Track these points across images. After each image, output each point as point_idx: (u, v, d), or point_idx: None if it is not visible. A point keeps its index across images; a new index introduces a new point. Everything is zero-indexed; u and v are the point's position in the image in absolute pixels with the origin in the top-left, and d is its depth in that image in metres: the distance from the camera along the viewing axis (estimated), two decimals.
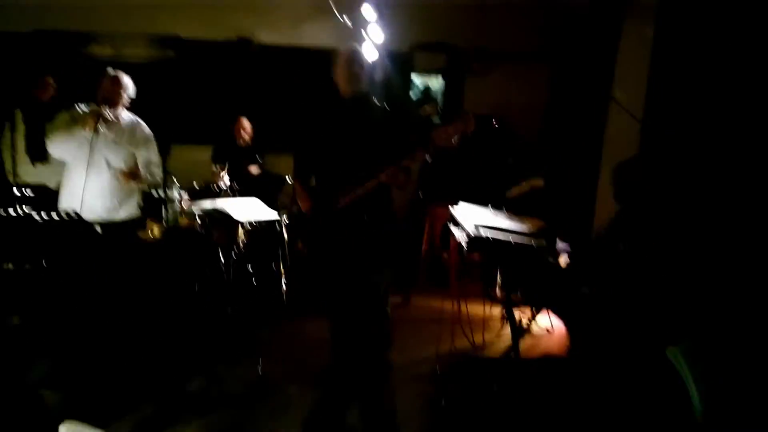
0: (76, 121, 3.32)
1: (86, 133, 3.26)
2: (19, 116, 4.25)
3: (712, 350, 1.88)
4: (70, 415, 2.24)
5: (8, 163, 4.22)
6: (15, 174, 4.20)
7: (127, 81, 3.45)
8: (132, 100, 3.51)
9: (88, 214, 3.38)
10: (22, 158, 4.17)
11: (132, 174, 3.45)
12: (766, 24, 2.81)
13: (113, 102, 3.37)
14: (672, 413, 1.95)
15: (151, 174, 3.54)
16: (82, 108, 3.41)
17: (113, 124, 3.42)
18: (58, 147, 3.35)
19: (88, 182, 3.38)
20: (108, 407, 2.89)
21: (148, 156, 3.57)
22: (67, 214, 2.93)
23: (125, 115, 3.53)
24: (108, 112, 3.31)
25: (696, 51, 3.20)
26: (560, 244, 3.87)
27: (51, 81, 4.32)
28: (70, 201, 3.41)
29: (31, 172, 4.17)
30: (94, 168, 3.39)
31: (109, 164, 3.42)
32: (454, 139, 2.71)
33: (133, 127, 3.55)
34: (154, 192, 3.81)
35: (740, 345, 1.96)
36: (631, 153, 3.71)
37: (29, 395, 2.04)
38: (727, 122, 3.02)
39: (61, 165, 3.97)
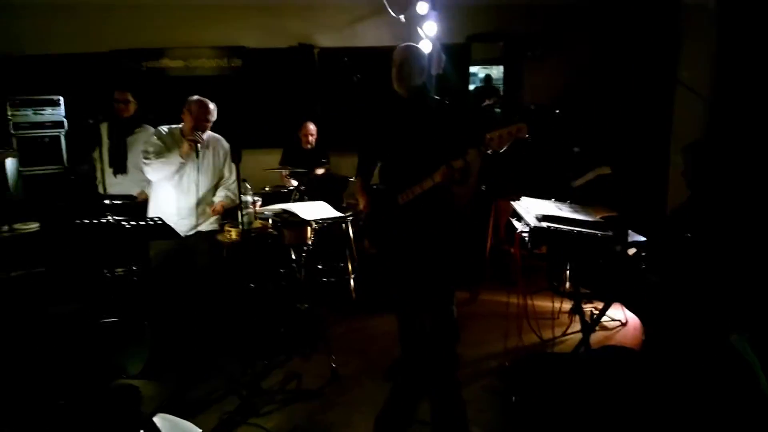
0: (167, 145, 3.54)
1: (182, 157, 3.49)
2: (104, 130, 4.54)
3: None
4: (162, 407, 2.46)
5: (99, 174, 4.56)
6: (104, 185, 4.53)
7: (213, 107, 3.64)
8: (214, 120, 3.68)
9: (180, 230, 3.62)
10: (107, 170, 4.47)
11: (221, 209, 3.68)
12: None
13: (203, 128, 3.56)
14: (742, 398, 1.88)
15: (232, 192, 3.75)
16: (164, 131, 3.62)
17: (203, 149, 3.63)
18: (156, 171, 3.55)
19: (177, 203, 3.63)
20: (195, 400, 3.12)
21: (228, 173, 3.79)
22: (153, 220, 3.16)
23: (209, 137, 3.73)
24: (200, 138, 3.51)
25: (763, 25, 3.00)
26: (633, 235, 3.77)
27: (131, 97, 4.61)
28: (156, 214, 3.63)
29: (113, 183, 4.45)
30: (183, 190, 3.63)
31: (198, 186, 3.64)
32: (507, 144, 2.73)
33: (215, 142, 3.75)
34: None
35: None
36: (700, 135, 3.54)
37: (127, 387, 2.26)
38: None
39: (139, 176, 4.29)
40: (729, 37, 3.42)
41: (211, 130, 3.73)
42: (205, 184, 3.67)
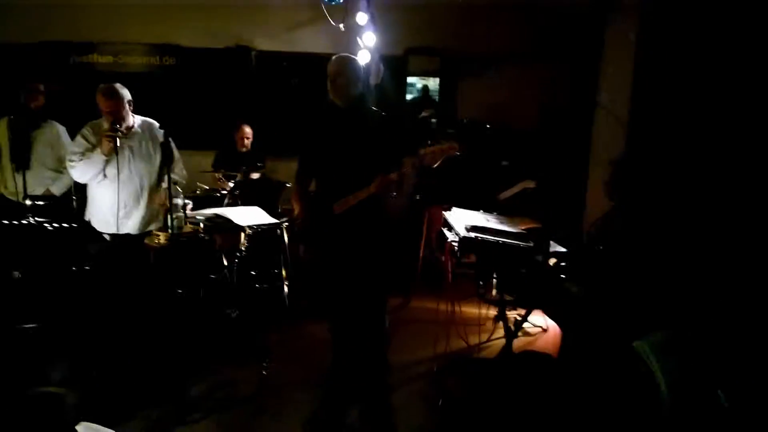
0: (92, 143, 3.40)
1: (105, 155, 3.35)
2: (3, 126, 4.27)
3: (682, 343, 2.00)
4: (85, 415, 2.38)
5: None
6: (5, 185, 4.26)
7: (120, 88, 3.46)
8: (131, 102, 3.52)
9: (128, 230, 3.53)
10: (7, 167, 4.21)
11: (163, 197, 3.52)
12: (747, 24, 2.91)
13: (119, 115, 3.41)
14: (641, 403, 2.07)
15: (178, 174, 3.62)
16: (89, 130, 3.47)
17: (133, 136, 3.51)
18: (81, 173, 3.41)
19: (117, 198, 3.49)
20: (119, 408, 3.02)
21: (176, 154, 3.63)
22: (76, 222, 3.05)
23: (136, 120, 3.59)
24: (119, 127, 3.36)
25: (679, 52, 3.31)
26: (555, 246, 4.00)
27: (41, 88, 4.38)
28: (104, 219, 3.52)
29: (16, 181, 4.15)
30: (123, 183, 3.47)
31: (139, 175, 3.52)
32: (439, 161, 2.86)
33: (148, 127, 3.62)
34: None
35: (713, 339, 2.08)
36: (617, 153, 3.82)
37: (50, 395, 2.17)
38: (711, 121, 3.13)
39: (45, 173, 4.08)
40: (645, 65, 3.73)
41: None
42: (144, 173, 3.54)
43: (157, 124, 3.67)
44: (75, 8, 5.87)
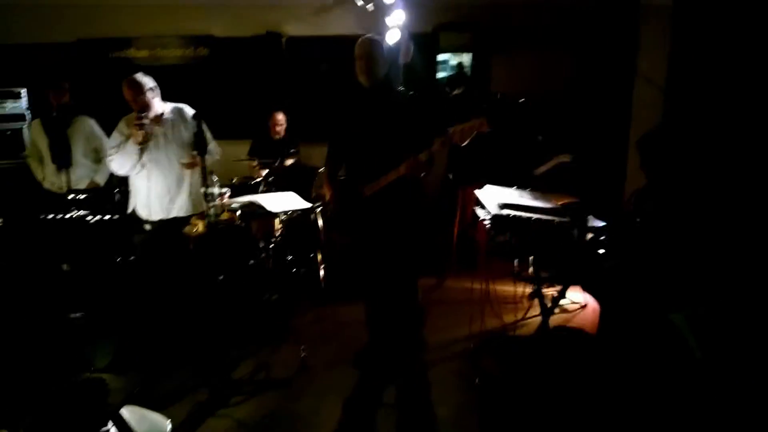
0: (125, 135, 3.51)
1: (137, 144, 3.45)
2: (37, 128, 4.46)
3: (718, 317, 1.92)
4: (130, 399, 2.49)
5: (39, 172, 4.49)
6: (45, 179, 4.47)
7: (141, 77, 3.55)
8: (155, 89, 3.60)
9: (174, 213, 3.64)
10: (49, 165, 4.41)
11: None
12: None
13: (144, 104, 3.49)
14: (677, 377, 2.01)
15: (212, 150, 3.72)
16: (123, 122, 3.59)
17: (165, 123, 3.60)
18: (119, 165, 3.55)
19: (156, 185, 3.61)
20: (164, 392, 3.15)
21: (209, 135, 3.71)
22: (117, 214, 3.16)
23: (166, 107, 3.67)
24: (146, 117, 3.45)
25: (716, 19, 3.12)
26: (594, 221, 3.89)
27: (66, 86, 4.54)
28: (149, 207, 3.65)
29: (61, 178, 4.34)
30: (163, 169, 3.60)
31: (177, 160, 3.62)
32: (469, 138, 2.80)
33: (179, 112, 3.71)
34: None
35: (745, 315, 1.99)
36: (656, 123, 3.67)
37: (93, 380, 2.28)
38: (750, 92, 2.95)
39: (87, 167, 4.25)
40: (684, 31, 3.54)
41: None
42: (177, 158, 3.63)
43: (187, 108, 3.76)
44: (111, 6, 6.04)
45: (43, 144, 4.43)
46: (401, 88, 3.28)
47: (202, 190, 3.25)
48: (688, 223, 2.67)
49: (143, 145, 3.46)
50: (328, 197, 3.41)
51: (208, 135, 3.66)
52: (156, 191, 3.63)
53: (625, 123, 4.47)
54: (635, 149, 3.09)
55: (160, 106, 3.63)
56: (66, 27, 6.03)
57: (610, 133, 4.66)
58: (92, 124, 4.58)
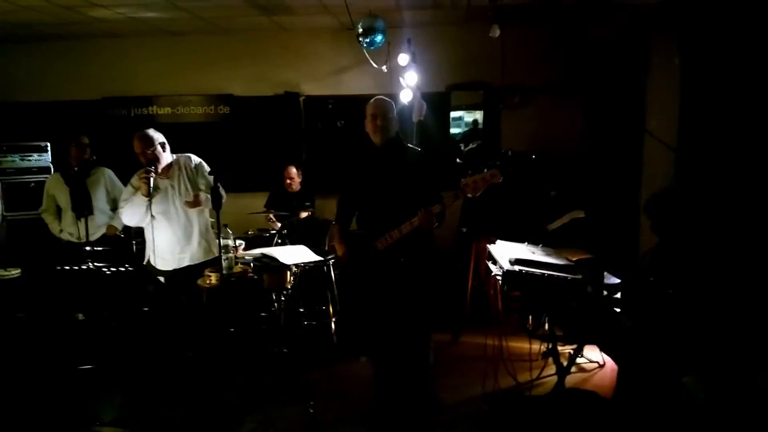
0: (135, 188, 3.64)
1: (145, 196, 3.55)
2: (55, 182, 4.64)
3: (736, 380, 1.86)
4: None
5: (55, 225, 4.61)
6: (62, 230, 4.59)
7: (152, 132, 3.70)
8: (165, 144, 3.74)
9: (187, 261, 3.69)
10: (69, 215, 4.53)
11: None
12: None
13: (153, 158, 3.62)
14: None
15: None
16: (134, 179, 3.70)
17: (173, 174, 3.72)
18: (129, 216, 3.67)
19: (173, 235, 3.70)
20: None
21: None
22: (131, 266, 3.21)
23: (177, 158, 3.81)
24: (153, 170, 3.57)
25: (724, 76, 3.18)
26: (609, 277, 3.85)
27: (86, 141, 4.73)
28: (163, 257, 3.74)
29: (80, 227, 4.46)
30: (171, 220, 3.70)
31: (184, 210, 3.72)
32: (482, 190, 2.85)
33: (183, 160, 3.83)
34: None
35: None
36: (667, 180, 3.68)
37: None
38: (762, 148, 2.97)
39: (104, 216, 4.36)
40: (691, 90, 3.61)
41: None
42: (184, 207, 3.72)
43: (193, 156, 3.88)
44: (134, 65, 6.33)
45: (61, 196, 4.57)
46: (410, 145, 3.37)
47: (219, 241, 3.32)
48: (702, 284, 2.63)
49: (150, 198, 3.55)
50: (340, 253, 3.43)
51: (210, 180, 3.74)
52: (167, 241, 3.71)
53: (636, 178, 4.48)
54: (644, 212, 3.10)
55: (168, 159, 3.76)
56: (91, 85, 6.31)
57: (622, 188, 4.67)
58: (110, 175, 4.74)
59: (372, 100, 3.27)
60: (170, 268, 3.74)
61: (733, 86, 3.10)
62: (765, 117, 2.90)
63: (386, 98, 3.29)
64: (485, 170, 2.95)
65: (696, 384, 1.84)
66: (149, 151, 3.61)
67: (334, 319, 4.62)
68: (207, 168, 3.86)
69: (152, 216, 3.60)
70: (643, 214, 3.07)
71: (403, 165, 3.20)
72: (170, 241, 3.71)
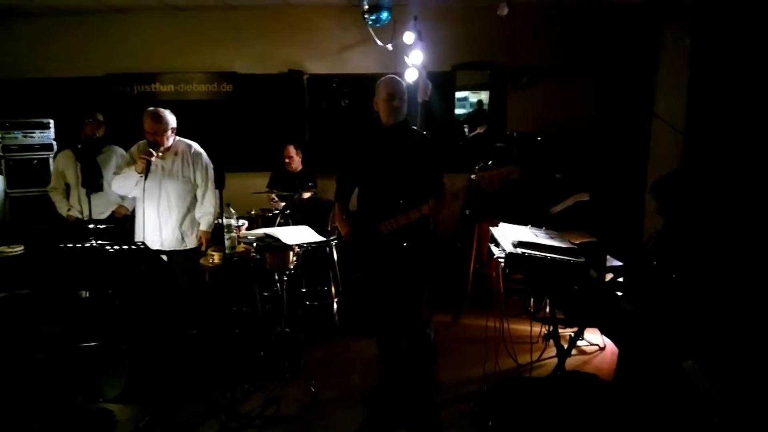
0: (133, 159, 3.63)
1: (138, 172, 3.55)
2: (67, 158, 4.62)
3: (736, 364, 1.86)
4: (138, 431, 2.47)
5: (63, 205, 4.62)
6: (71, 208, 4.60)
7: (167, 114, 3.67)
8: (175, 129, 3.73)
9: (158, 246, 3.68)
10: (78, 192, 4.53)
11: (205, 240, 3.81)
12: None
13: (159, 138, 3.61)
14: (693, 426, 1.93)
15: (212, 215, 3.89)
16: (137, 146, 3.71)
17: (168, 156, 3.71)
18: (118, 186, 3.67)
19: (151, 215, 3.69)
20: (174, 424, 3.13)
21: (205, 186, 3.85)
22: (135, 244, 3.21)
23: (177, 143, 3.79)
24: (155, 151, 3.56)
25: (734, 61, 3.12)
26: (612, 261, 3.83)
27: (101, 118, 4.70)
28: (141, 234, 3.73)
29: (89, 204, 4.41)
30: (156, 201, 3.69)
31: (167, 192, 3.71)
32: (497, 185, 2.82)
33: (187, 149, 3.82)
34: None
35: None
36: (675, 165, 3.64)
37: (102, 411, 2.27)
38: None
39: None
40: (701, 73, 3.55)
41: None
42: (170, 191, 3.72)
43: (196, 146, 3.86)
44: (137, 42, 6.27)
45: (71, 172, 4.55)
46: (415, 128, 3.33)
47: (221, 221, 3.32)
48: (706, 268, 2.61)
49: (140, 174, 3.55)
50: (344, 234, 3.43)
51: (209, 193, 3.85)
52: (147, 220, 3.70)
53: (642, 162, 4.44)
54: (650, 194, 3.07)
55: (171, 143, 3.74)
56: (94, 61, 6.25)
57: (628, 171, 4.63)
58: (122, 153, 4.72)
59: (386, 79, 3.22)
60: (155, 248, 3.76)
61: (743, 71, 3.05)
62: None
63: (400, 79, 3.25)
64: (504, 166, 2.91)
65: (697, 369, 1.84)
66: (159, 132, 3.60)
67: (336, 300, 4.64)
68: (206, 160, 3.87)
69: (141, 191, 3.60)
70: (649, 196, 3.04)
71: (411, 149, 3.17)
72: (147, 221, 3.71)
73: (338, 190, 3.46)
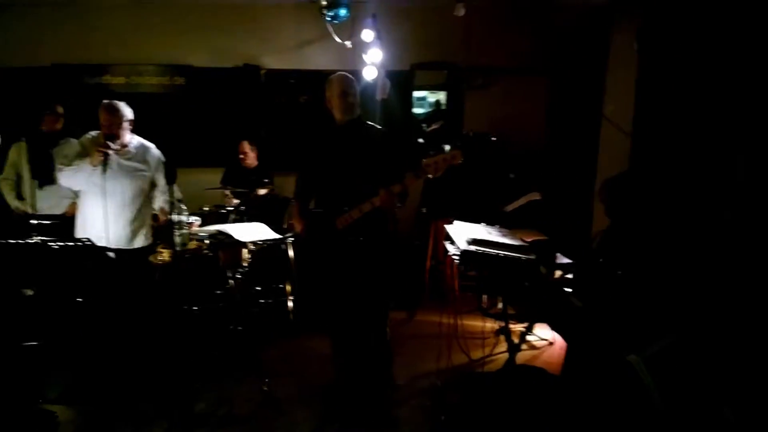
0: (86, 151, 3.48)
1: (92, 165, 3.41)
2: (20, 150, 4.42)
3: (680, 357, 1.95)
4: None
5: (11, 197, 4.42)
6: (22, 200, 4.42)
7: (123, 107, 3.55)
8: (133, 122, 3.61)
9: (104, 243, 3.56)
10: (29, 184, 4.33)
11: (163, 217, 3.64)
12: (747, 35, 2.87)
13: (116, 132, 3.48)
14: (636, 419, 2.02)
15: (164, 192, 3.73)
16: (92, 135, 3.57)
17: (123, 152, 3.58)
18: (68, 178, 3.51)
19: (100, 211, 3.55)
20: (120, 425, 3.04)
21: (163, 181, 3.73)
22: (81, 240, 3.10)
23: (133, 140, 3.66)
24: (112, 144, 3.43)
25: (680, 65, 3.26)
26: (562, 258, 3.95)
27: (60, 110, 4.52)
28: (85, 230, 3.58)
29: (40, 197, 4.30)
30: (107, 197, 3.54)
31: (121, 189, 3.57)
32: (442, 170, 2.85)
33: (143, 150, 3.69)
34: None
35: (715, 354, 2.02)
36: (623, 166, 3.77)
37: (42, 412, 2.18)
38: (713, 133, 3.07)
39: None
40: (648, 76, 3.69)
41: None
42: (126, 188, 3.60)
43: (154, 149, 3.75)
44: (87, 32, 6.04)
45: (24, 164, 4.36)
46: (369, 123, 3.34)
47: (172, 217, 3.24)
48: (648, 265, 2.73)
49: (95, 167, 3.41)
50: (299, 229, 3.40)
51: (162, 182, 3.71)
52: (92, 216, 3.56)
53: (591, 163, 4.59)
54: (598, 194, 3.18)
55: (128, 138, 3.62)
56: (41, 51, 5.99)
57: (578, 172, 4.78)
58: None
59: (338, 76, 3.21)
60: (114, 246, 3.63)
61: (688, 75, 3.18)
62: (717, 106, 2.99)
63: (347, 75, 3.25)
64: (447, 150, 2.95)
65: (640, 363, 1.92)
66: (115, 125, 3.47)
67: (291, 298, 4.60)
68: (162, 158, 3.76)
69: (90, 185, 3.47)
70: (597, 196, 3.14)
71: (365, 144, 3.17)
72: (95, 217, 3.57)
73: (297, 189, 3.44)
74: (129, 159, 3.61)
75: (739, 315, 2.53)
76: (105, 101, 3.53)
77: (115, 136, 3.47)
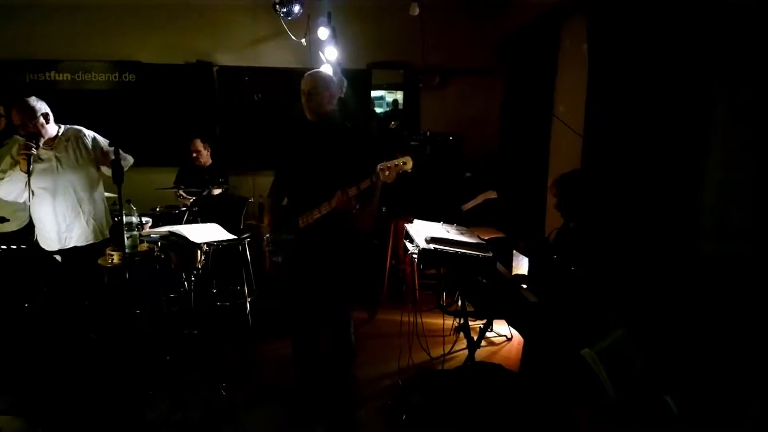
0: (15, 161, 3.31)
1: (24, 172, 3.25)
2: None
3: (628, 350, 2.01)
4: None
5: None
6: None
7: (34, 101, 3.38)
8: (48, 115, 3.44)
9: (71, 243, 3.42)
10: None
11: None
12: (697, 37, 2.97)
13: (34, 129, 3.32)
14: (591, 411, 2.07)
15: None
16: (19, 143, 3.38)
17: (59, 145, 3.43)
18: (6, 192, 3.35)
19: (51, 216, 3.40)
20: None
21: (100, 143, 3.59)
22: (22, 245, 2.95)
23: (60, 129, 3.51)
24: (35, 144, 3.27)
25: (629, 64, 3.36)
26: (518, 256, 4.01)
27: (1, 110, 4.28)
28: (43, 235, 3.43)
29: None
30: (57, 196, 3.41)
31: (72, 186, 3.44)
32: (394, 177, 2.85)
33: (72, 134, 3.54)
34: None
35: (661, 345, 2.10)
36: (573, 165, 3.86)
37: None
38: (661, 132, 3.18)
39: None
40: (598, 77, 3.78)
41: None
42: (77, 183, 3.46)
43: (85, 130, 3.60)
44: (30, 26, 5.75)
45: None
46: (344, 122, 3.31)
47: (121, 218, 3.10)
48: (601, 261, 2.80)
49: (30, 174, 3.24)
50: (266, 224, 3.35)
51: (105, 145, 3.58)
52: (50, 219, 3.42)
53: (544, 162, 4.69)
54: (550, 191, 3.25)
55: (53, 131, 3.45)
56: None
57: (531, 171, 4.87)
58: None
59: (307, 75, 3.16)
60: (55, 248, 3.48)
61: (638, 75, 3.28)
62: (666, 105, 3.10)
63: (321, 72, 3.20)
64: (398, 155, 2.94)
65: (594, 356, 1.97)
66: (31, 124, 3.29)
67: (249, 300, 4.51)
68: (102, 140, 3.61)
69: (32, 192, 3.30)
70: (549, 193, 3.21)
71: (331, 143, 3.13)
72: (54, 219, 3.42)
73: (272, 186, 3.39)
74: (65, 150, 3.45)
75: (683, 308, 2.63)
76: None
77: (37, 134, 3.31)
